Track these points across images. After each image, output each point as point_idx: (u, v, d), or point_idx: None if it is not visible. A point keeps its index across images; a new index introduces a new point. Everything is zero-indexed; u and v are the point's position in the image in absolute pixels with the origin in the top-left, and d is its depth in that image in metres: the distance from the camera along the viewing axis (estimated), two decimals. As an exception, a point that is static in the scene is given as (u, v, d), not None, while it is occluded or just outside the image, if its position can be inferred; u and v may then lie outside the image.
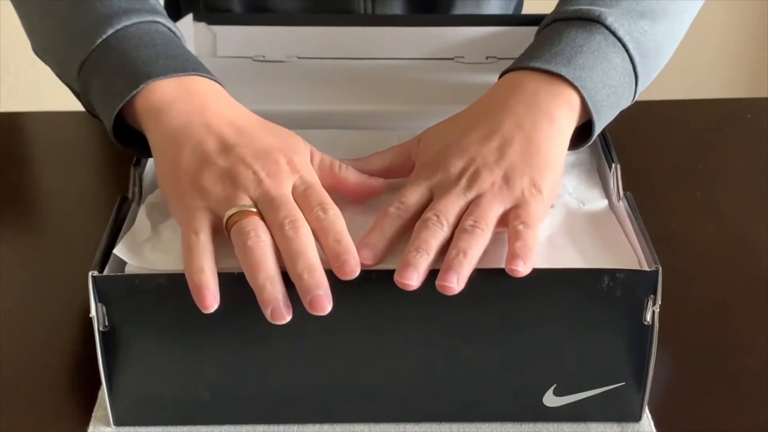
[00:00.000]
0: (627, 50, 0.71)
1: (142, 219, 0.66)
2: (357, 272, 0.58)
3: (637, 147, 0.94)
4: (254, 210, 0.60)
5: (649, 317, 0.60)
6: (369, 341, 0.61)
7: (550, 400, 0.63)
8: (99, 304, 0.59)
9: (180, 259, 0.60)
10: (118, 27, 0.70)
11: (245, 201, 0.61)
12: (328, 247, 0.59)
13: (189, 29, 0.97)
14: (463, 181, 0.63)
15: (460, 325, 0.61)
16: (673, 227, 0.81)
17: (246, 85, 0.91)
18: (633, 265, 0.61)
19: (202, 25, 0.99)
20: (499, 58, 0.99)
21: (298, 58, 0.99)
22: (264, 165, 0.62)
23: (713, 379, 0.67)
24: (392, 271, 0.59)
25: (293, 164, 0.64)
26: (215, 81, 0.71)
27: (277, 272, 0.58)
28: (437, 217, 0.61)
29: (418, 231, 0.61)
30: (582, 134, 0.70)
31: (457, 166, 0.64)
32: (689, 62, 1.76)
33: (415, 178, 0.65)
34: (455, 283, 0.58)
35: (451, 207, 0.62)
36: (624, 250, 0.63)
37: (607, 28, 0.71)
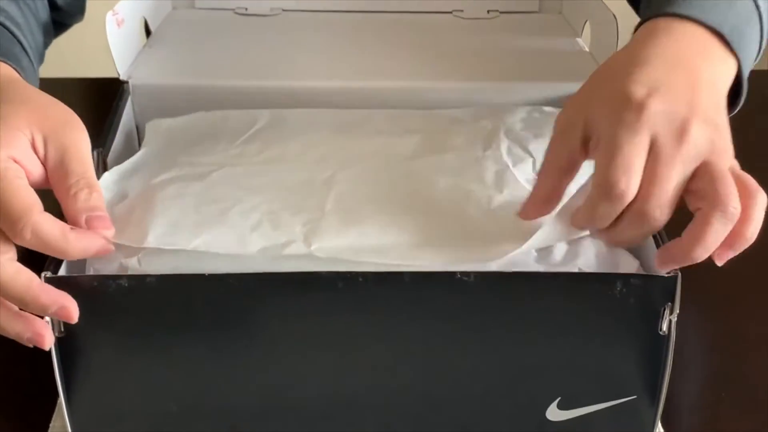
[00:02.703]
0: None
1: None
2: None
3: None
4: None
5: (665, 327, 0.54)
6: (352, 350, 0.55)
7: (554, 414, 0.57)
8: (54, 308, 0.53)
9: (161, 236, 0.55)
10: None
11: None
12: None
13: (164, -21, 0.91)
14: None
15: (457, 332, 0.55)
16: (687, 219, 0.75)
17: (226, 43, 0.84)
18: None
19: (179, -27, 0.92)
20: (502, 12, 0.93)
21: (284, 10, 0.93)
22: None
23: (728, 388, 0.62)
24: (379, 273, 0.53)
25: None
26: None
27: None
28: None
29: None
30: None
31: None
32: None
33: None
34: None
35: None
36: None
37: None
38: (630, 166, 0.53)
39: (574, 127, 0.56)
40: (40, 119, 0.56)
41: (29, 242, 0.52)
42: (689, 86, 0.55)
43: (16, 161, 0.54)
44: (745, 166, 0.54)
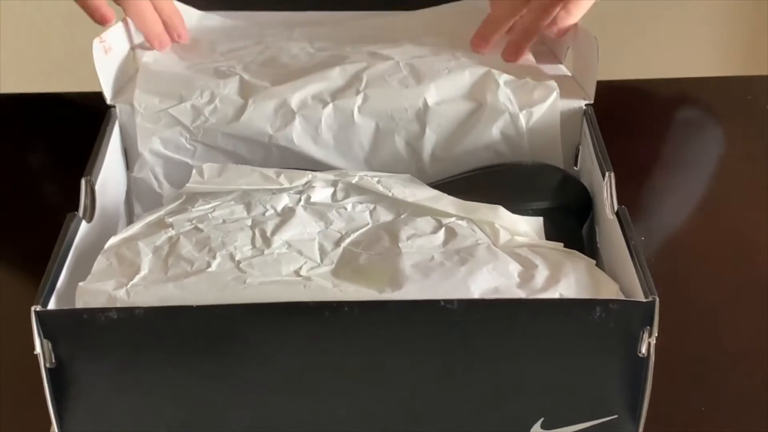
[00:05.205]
0: None
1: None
2: None
3: (624, 131, 0.87)
4: None
5: (644, 349, 0.55)
6: (340, 374, 0.56)
7: (538, 434, 0.58)
8: (45, 340, 0.54)
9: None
10: None
11: None
12: None
13: None
14: None
15: (441, 358, 0.56)
16: (666, 225, 0.76)
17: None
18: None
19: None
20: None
21: None
22: None
23: (709, 400, 0.63)
24: (364, 303, 0.54)
25: None
26: None
27: None
28: None
29: None
30: None
31: None
32: (682, 35, 1.61)
33: None
34: None
35: None
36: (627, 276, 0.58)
37: None
38: None
39: None
40: None
41: None
42: None
43: None
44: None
